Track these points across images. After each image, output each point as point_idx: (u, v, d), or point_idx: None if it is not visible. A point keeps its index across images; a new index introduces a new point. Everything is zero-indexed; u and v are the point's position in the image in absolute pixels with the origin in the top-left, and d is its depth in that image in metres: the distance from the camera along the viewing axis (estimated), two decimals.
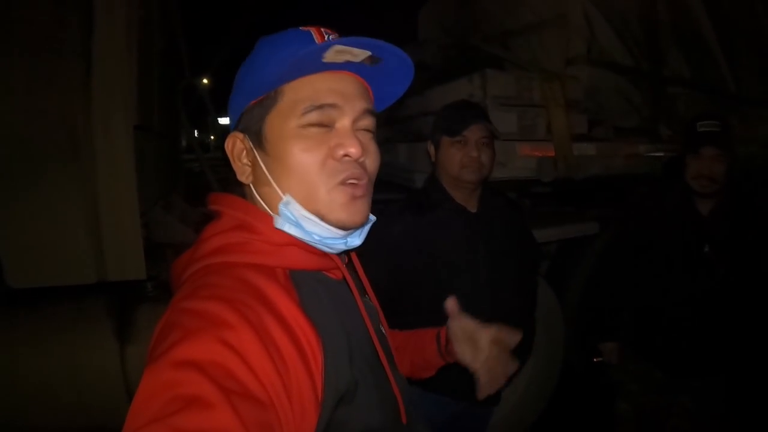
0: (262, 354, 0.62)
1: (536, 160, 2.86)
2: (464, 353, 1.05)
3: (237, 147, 0.83)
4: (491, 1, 3.78)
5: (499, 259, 1.84)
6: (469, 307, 1.17)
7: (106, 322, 1.92)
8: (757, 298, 2.03)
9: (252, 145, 0.81)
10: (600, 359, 2.29)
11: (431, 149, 1.88)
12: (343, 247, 0.81)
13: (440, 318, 1.63)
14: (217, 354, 0.58)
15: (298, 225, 0.77)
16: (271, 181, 0.78)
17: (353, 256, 0.97)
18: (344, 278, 0.86)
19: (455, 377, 1.25)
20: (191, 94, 3.66)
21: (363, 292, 0.96)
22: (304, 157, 0.76)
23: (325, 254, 0.82)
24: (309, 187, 0.76)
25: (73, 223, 1.80)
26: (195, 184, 3.58)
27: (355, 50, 0.74)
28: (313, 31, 0.79)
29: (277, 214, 0.78)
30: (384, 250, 1.68)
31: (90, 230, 1.81)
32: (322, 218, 0.77)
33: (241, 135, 0.82)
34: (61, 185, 1.77)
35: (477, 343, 1.05)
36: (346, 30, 0.78)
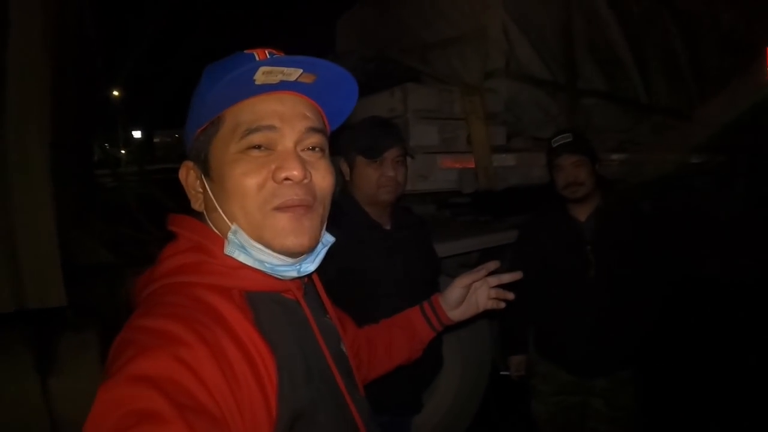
0: (216, 371, 0.66)
1: (457, 172, 3.05)
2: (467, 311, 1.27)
3: (190, 176, 0.87)
4: (410, 14, 3.94)
5: (414, 275, 1.95)
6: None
7: (25, 354, 1.87)
8: (641, 293, 2.30)
9: (201, 173, 0.85)
10: (506, 373, 2.52)
11: (345, 167, 1.95)
12: (294, 275, 0.84)
13: None
14: (172, 370, 0.62)
15: (248, 253, 0.80)
16: (218, 208, 0.82)
17: (314, 276, 0.99)
18: (299, 301, 0.89)
19: (375, 391, 1.39)
20: (104, 106, 3.68)
21: (323, 312, 0.99)
22: (242, 181, 0.78)
23: (276, 278, 0.85)
24: (248, 213, 0.79)
25: None
26: (108, 201, 3.59)
27: (286, 69, 0.76)
28: (257, 53, 0.81)
29: (228, 238, 0.81)
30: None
31: (5, 255, 1.78)
32: (268, 246, 0.80)
33: (191, 163, 0.86)
34: None
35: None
36: (264, 44, 0.83)
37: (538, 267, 2.40)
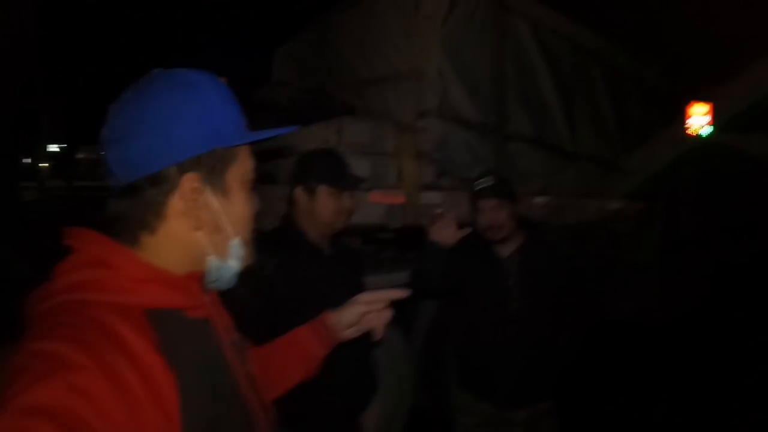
0: (114, 398, 0.65)
1: (385, 207, 3.16)
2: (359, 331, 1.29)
3: (194, 189, 0.84)
4: (349, 50, 4.08)
5: (349, 296, 2.07)
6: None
7: None
8: (560, 328, 2.45)
9: (210, 191, 0.86)
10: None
11: (302, 195, 2.01)
12: (232, 283, 0.94)
13: None
14: (67, 399, 0.61)
15: (225, 264, 0.90)
16: (226, 225, 0.88)
17: (214, 295, 1.00)
18: (208, 318, 0.91)
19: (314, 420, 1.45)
20: (32, 118, 3.62)
21: (229, 330, 1.00)
22: (250, 207, 0.92)
23: (187, 292, 0.87)
24: (247, 232, 0.92)
25: None
26: (31, 214, 3.50)
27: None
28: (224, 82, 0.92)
29: (219, 255, 0.89)
30: (258, 293, 1.79)
31: None
32: (246, 258, 0.93)
33: (197, 176, 0.84)
34: None
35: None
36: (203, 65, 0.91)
37: (461, 300, 2.52)
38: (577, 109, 4.79)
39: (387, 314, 1.29)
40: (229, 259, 0.90)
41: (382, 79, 3.76)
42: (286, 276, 1.89)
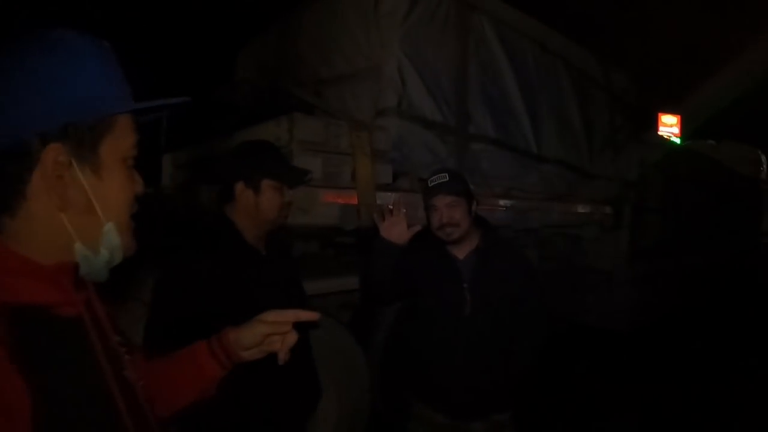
0: None
1: (339, 208, 3.05)
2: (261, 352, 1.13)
3: (58, 164, 0.74)
4: (309, 48, 3.98)
5: (290, 302, 1.96)
6: None
7: None
8: (518, 334, 2.33)
9: (78, 167, 0.76)
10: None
11: (244, 190, 1.91)
12: (104, 276, 0.83)
13: None
14: None
15: (95, 253, 0.79)
16: (96, 207, 0.77)
17: (93, 294, 0.90)
18: (81, 317, 0.82)
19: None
20: None
21: (108, 333, 0.90)
22: (128, 189, 0.82)
23: (55, 285, 0.78)
24: (123, 217, 0.82)
25: None
26: None
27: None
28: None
29: (88, 243, 0.78)
30: (191, 291, 1.72)
31: None
32: (124, 248, 0.83)
33: (62, 148, 0.74)
34: None
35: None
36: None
37: (412, 304, 2.42)
38: (543, 112, 4.71)
39: (293, 338, 1.14)
40: (100, 248, 0.80)
41: (341, 78, 3.68)
42: (222, 279, 1.77)
